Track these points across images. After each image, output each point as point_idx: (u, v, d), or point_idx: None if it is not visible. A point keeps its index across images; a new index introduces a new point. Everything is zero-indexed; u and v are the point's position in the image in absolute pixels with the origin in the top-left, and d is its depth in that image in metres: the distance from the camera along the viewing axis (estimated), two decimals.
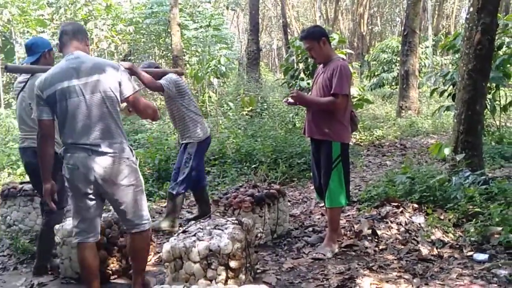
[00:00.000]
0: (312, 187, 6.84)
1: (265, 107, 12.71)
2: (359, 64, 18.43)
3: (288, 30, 24.51)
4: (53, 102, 2.95)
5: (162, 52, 18.23)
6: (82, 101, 2.92)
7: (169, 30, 13.93)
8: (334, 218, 4.07)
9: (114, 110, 3.00)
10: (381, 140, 10.73)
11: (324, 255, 3.94)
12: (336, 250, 4.02)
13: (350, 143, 4.26)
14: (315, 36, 3.92)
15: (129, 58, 17.97)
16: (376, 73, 16.81)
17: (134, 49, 18.19)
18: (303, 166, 7.57)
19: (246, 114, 11.64)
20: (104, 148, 2.94)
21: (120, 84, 3.00)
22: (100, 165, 2.93)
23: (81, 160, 2.94)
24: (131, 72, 4.13)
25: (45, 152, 3.06)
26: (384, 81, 17.65)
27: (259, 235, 4.32)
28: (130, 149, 3.09)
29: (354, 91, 10.51)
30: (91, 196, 3.03)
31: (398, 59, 15.11)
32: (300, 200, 6.21)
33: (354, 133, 4.22)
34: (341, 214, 4.22)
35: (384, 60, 16.99)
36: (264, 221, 4.37)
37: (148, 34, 17.59)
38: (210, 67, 9.92)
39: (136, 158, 3.16)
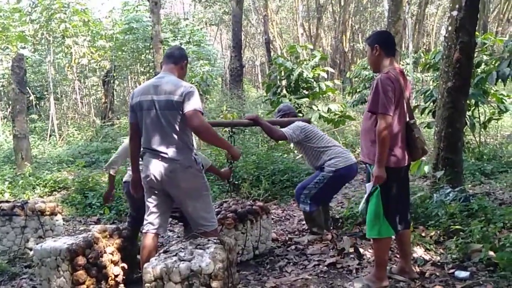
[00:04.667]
0: (295, 205, 6.88)
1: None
2: (341, 81, 18.57)
3: (271, 47, 24.68)
4: (136, 110, 3.56)
5: (144, 69, 18.19)
6: (155, 113, 3.44)
7: (151, 46, 13.93)
8: (376, 251, 3.67)
9: (180, 124, 3.43)
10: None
11: (352, 286, 3.64)
12: None
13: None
14: (371, 41, 3.61)
15: (111, 74, 17.88)
16: (358, 90, 16.89)
17: (115, 65, 18.11)
18: (286, 183, 7.57)
19: (229, 131, 11.63)
20: (171, 155, 3.42)
21: (183, 101, 3.38)
22: (166, 169, 3.43)
23: (152, 163, 3.48)
24: (254, 122, 4.70)
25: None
26: (366, 98, 17.80)
27: (240, 251, 4.30)
28: (195, 159, 3.51)
29: (335, 107, 10.62)
30: (158, 194, 3.57)
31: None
32: (283, 218, 6.21)
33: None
34: (386, 247, 3.65)
35: (366, 77, 17.11)
36: (246, 238, 4.35)
37: (130, 51, 17.54)
38: (193, 83, 9.93)
39: (202, 167, 3.62)
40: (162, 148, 3.44)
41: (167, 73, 3.61)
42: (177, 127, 3.43)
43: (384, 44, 3.57)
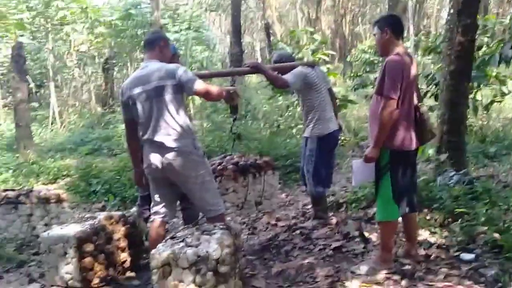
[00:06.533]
0: (299, 189, 6.90)
1: (249, 108, 12.71)
2: (342, 65, 18.53)
3: (271, 31, 24.50)
4: (129, 105, 3.53)
5: (144, 55, 18.09)
6: (148, 104, 3.42)
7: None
8: (382, 234, 3.69)
9: (176, 109, 3.42)
10: (366, 140, 10.80)
11: (358, 269, 3.63)
12: (382, 275, 3.51)
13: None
14: (380, 25, 3.58)
15: (111, 61, 17.82)
16: (358, 74, 16.84)
17: (115, 52, 18.01)
18: (289, 168, 7.58)
19: (230, 117, 11.65)
20: (169, 143, 3.40)
21: (182, 84, 3.40)
22: (167, 157, 3.41)
23: (151, 153, 3.48)
24: (256, 70, 4.46)
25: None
26: (367, 82, 17.78)
27: (240, 204, 4.28)
28: (194, 144, 3.51)
29: (337, 90, 10.59)
30: (162, 183, 3.58)
31: (380, 59, 15.21)
32: (287, 203, 6.23)
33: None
34: (393, 230, 3.68)
35: (366, 61, 17.06)
36: (248, 192, 4.28)
37: (129, 37, 17.44)
38: (193, 70, 9.90)
39: (204, 153, 3.62)
40: (159, 138, 3.43)
41: (149, 61, 3.58)
42: (172, 113, 3.42)
43: (394, 27, 3.56)
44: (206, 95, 3.48)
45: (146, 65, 3.55)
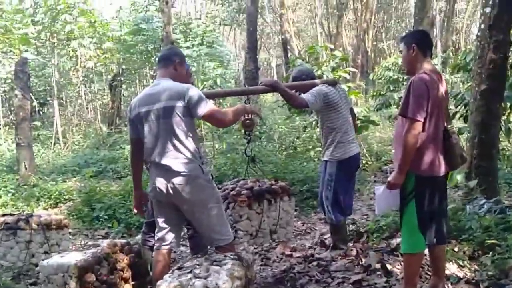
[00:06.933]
0: (316, 217, 6.87)
1: (264, 129, 12.74)
2: (364, 83, 18.50)
3: (288, 47, 24.68)
4: (136, 123, 3.57)
5: (154, 72, 18.31)
6: (155, 124, 3.44)
7: (161, 48, 14.03)
8: (406, 267, 3.63)
9: (184, 132, 3.42)
10: (389, 165, 10.74)
11: None
12: None
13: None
14: (407, 41, 3.61)
15: (118, 78, 18.04)
16: (381, 93, 16.81)
17: (123, 69, 18.24)
18: (306, 194, 7.57)
19: (244, 138, 11.69)
20: (176, 167, 3.40)
21: (189, 106, 3.39)
22: (173, 182, 3.40)
23: (157, 176, 3.47)
24: (273, 88, 4.45)
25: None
26: (391, 101, 17.74)
27: (253, 233, 4.22)
28: (202, 168, 3.48)
29: (359, 110, 10.58)
30: (167, 207, 3.58)
31: (405, 77, 15.19)
32: (303, 231, 6.20)
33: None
34: (418, 262, 3.62)
35: (390, 79, 17.04)
36: (262, 219, 4.24)
37: (139, 53, 17.68)
38: (205, 87, 9.98)
39: (212, 177, 3.59)
40: (166, 161, 3.43)
41: (161, 79, 3.60)
42: (180, 136, 3.42)
43: (422, 44, 3.57)
44: (214, 121, 3.56)
45: (158, 83, 3.58)
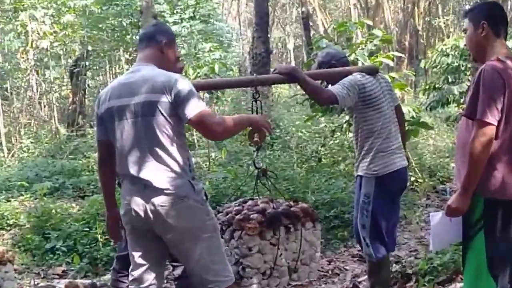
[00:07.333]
0: (347, 253, 6.85)
1: (278, 134, 12.73)
2: (413, 73, 18.45)
3: (310, 23, 24.76)
4: (105, 122, 3.52)
5: (130, 55, 18.33)
6: (132, 124, 3.37)
7: (140, 23, 14.05)
8: None
9: (169, 136, 3.34)
10: (448, 183, 10.69)
11: None
12: None
13: None
14: (474, 16, 3.53)
15: (82, 63, 18.04)
16: (437, 86, 16.76)
17: (89, 50, 18.26)
18: (334, 222, 7.55)
19: (251, 145, 11.69)
20: (158, 183, 3.32)
21: (176, 103, 3.31)
22: (153, 203, 3.32)
23: (132, 195, 3.40)
24: (290, 78, 4.41)
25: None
26: (449, 97, 17.71)
27: (267, 271, 4.13)
28: (192, 185, 3.39)
29: (405, 110, 10.56)
30: (144, 237, 3.50)
31: (470, 66, 15.15)
32: (330, 272, 6.18)
33: None
34: None
35: (449, 67, 16.99)
36: (278, 253, 4.14)
37: (110, 29, 17.70)
38: (199, 76, 9.97)
39: (205, 197, 3.50)
40: (145, 174, 3.35)
41: (142, 65, 3.55)
42: (164, 141, 3.35)
43: (494, 20, 3.51)
44: (204, 129, 3.47)
45: (137, 69, 3.53)
